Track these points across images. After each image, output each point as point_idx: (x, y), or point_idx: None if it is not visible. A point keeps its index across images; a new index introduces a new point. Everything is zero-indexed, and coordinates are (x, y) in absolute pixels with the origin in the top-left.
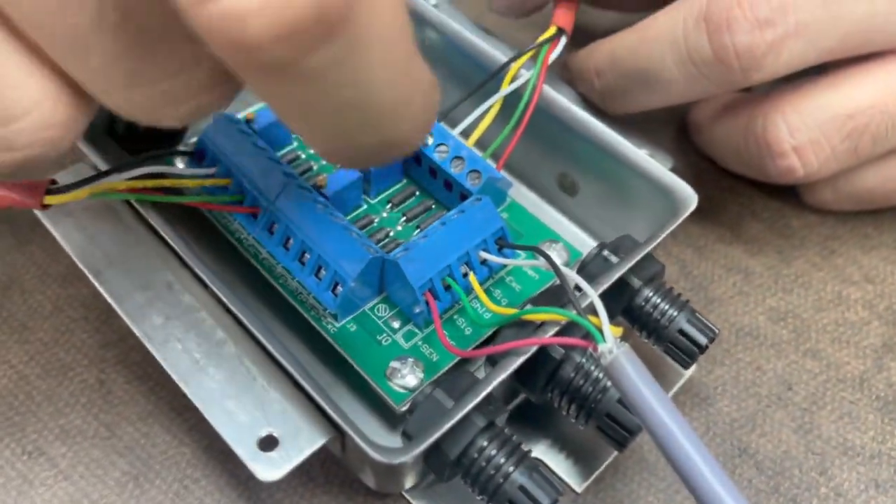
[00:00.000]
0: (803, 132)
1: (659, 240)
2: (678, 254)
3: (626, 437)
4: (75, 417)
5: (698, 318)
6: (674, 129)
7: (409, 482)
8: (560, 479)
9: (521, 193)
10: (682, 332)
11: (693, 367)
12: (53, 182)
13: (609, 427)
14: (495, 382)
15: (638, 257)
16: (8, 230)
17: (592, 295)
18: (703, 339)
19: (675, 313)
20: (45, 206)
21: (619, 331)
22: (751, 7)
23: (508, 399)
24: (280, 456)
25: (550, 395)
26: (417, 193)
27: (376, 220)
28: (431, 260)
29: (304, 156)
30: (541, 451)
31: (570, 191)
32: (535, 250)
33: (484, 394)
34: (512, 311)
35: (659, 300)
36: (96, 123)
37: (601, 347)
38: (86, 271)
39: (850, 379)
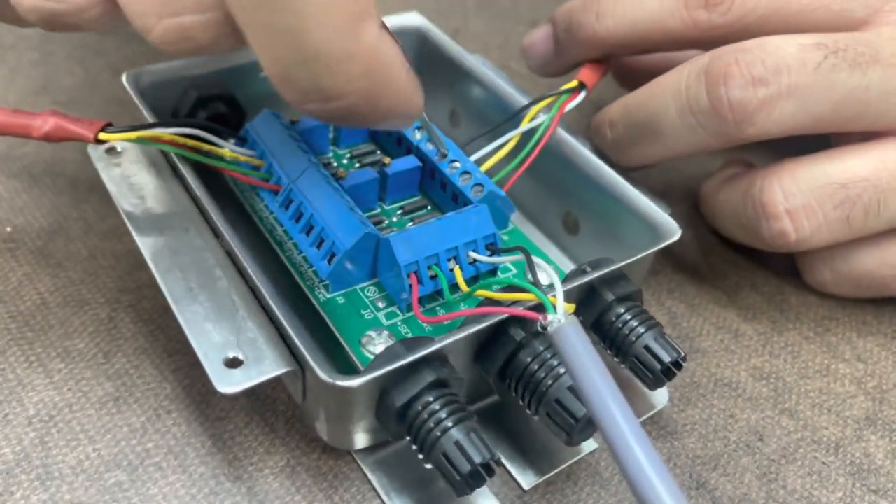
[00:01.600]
0: (797, 197)
1: (633, 259)
2: (671, 306)
3: (572, 424)
4: (79, 342)
5: (667, 340)
6: (687, 205)
7: (359, 438)
8: (511, 475)
9: (527, 230)
10: (647, 348)
11: (665, 402)
12: (109, 124)
13: (556, 414)
14: (448, 340)
15: (609, 269)
16: (70, 188)
17: (551, 274)
18: (666, 357)
19: (643, 330)
20: (98, 141)
21: (571, 307)
22: (747, 65)
23: (475, 393)
24: (241, 374)
25: (509, 383)
26: (429, 207)
27: (385, 222)
28: (421, 245)
29: (335, 164)
30: (501, 450)
31: (572, 229)
32: (517, 249)
33: (435, 347)
34: (484, 292)
35: (630, 317)
36: (164, 106)
37: (550, 317)
38: (119, 207)
39: (825, 442)
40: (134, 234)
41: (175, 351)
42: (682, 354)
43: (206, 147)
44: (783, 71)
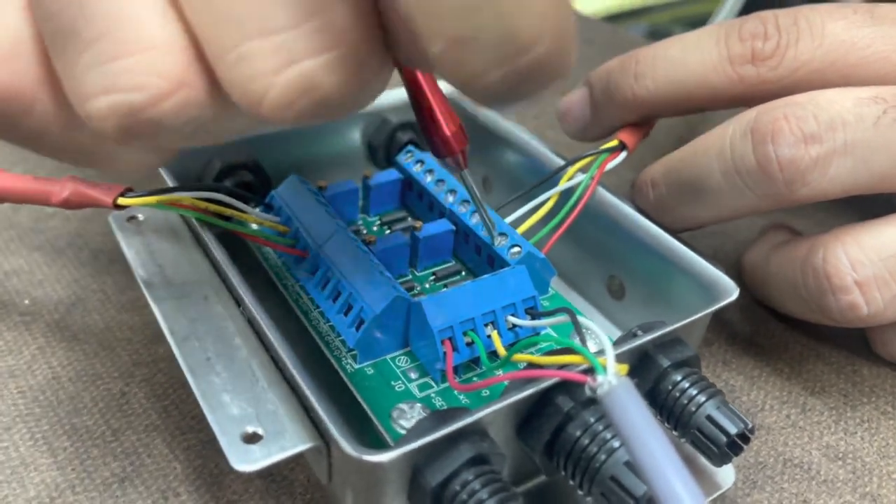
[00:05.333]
0: (866, 267)
1: (690, 320)
2: (728, 379)
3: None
4: (88, 419)
5: (731, 409)
6: (738, 271)
7: None
8: None
9: (568, 296)
10: (710, 418)
11: (731, 482)
12: (129, 189)
13: (612, 493)
14: (487, 410)
15: (663, 331)
16: (91, 261)
17: (600, 335)
18: (733, 428)
19: (704, 399)
20: (117, 206)
21: (624, 368)
22: (798, 121)
23: (517, 474)
24: (260, 451)
25: (556, 459)
26: (463, 273)
27: (417, 288)
28: (456, 309)
29: (364, 231)
30: None
31: (617, 294)
32: (562, 311)
33: (473, 418)
34: (524, 356)
35: (687, 385)
36: (187, 169)
37: (600, 378)
38: (136, 274)
39: None
40: (150, 301)
41: (188, 428)
42: (750, 425)
43: (229, 212)
44: (838, 127)
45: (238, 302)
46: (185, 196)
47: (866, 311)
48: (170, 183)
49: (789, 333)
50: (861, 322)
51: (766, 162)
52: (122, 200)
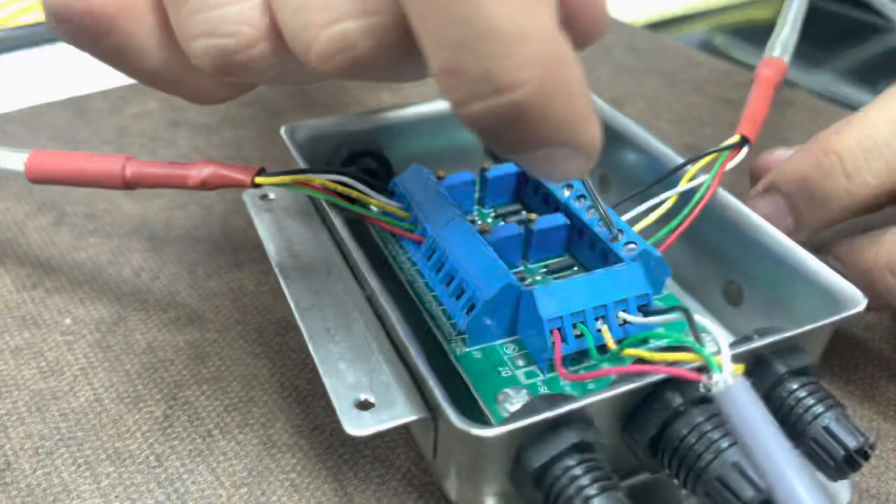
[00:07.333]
0: None
1: (811, 327)
2: (852, 390)
3: None
4: (132, 443)
5: (850, 422)
6: None
7: (489, 493)
8: None
9: (683, 299)
10: (827, 429)
11: (846, 501)
12: (263, 168)
13: (717, 494)
14: (594, 398)
15: (778, 336)
16: (133, 278)
17: (717, 334)
18: (852, 442)
19: (822, 410)
20: (255, 185)
21: (740, 368)
22: None
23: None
24: (371, 417)
25: (660, 457)
26: (575, 267)
27: (528, 280)
28: (567, 301)
29: (479, 221)
30: None
31: (734, 300)
32: (676, 309)
33: (579, 404)
34: (635, 351)
35: (805, 394)
36: (318, 154)
37: (716, 376)
38: (266, 249)
39: None
40: (278, 274)
41: (233, 454)
42: (871, 440)
43: (355, 194)
44: None
45: (359, 280)
46: (317, 178)
47: None
48: (301, 164)
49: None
50: None
51: None
52: (259, 179)
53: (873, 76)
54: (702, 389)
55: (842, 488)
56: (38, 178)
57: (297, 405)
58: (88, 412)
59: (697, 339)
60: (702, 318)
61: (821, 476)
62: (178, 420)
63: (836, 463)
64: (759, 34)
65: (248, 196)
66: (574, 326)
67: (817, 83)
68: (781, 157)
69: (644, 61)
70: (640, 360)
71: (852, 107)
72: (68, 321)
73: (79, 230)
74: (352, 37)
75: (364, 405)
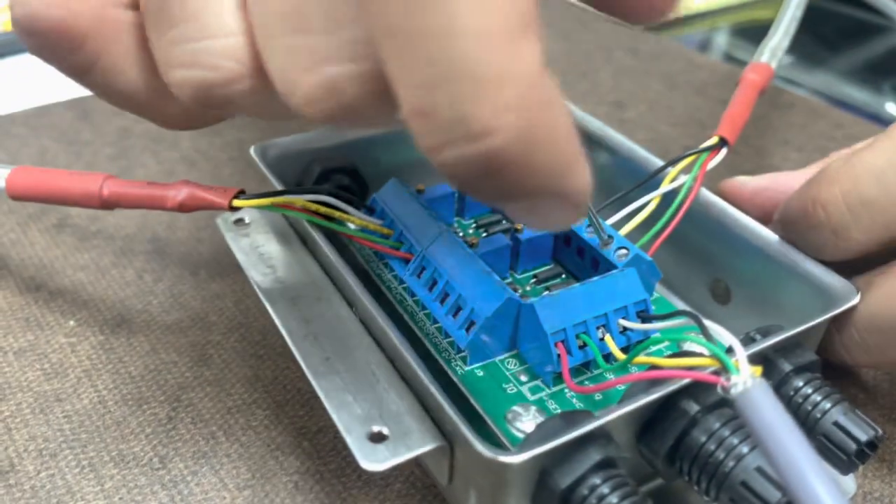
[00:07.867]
0: None
1: (812, 324)
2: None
3: None
4: (135, 445)
5: (858, 415)
6: None
7: None
8: None
9: (671, 300)
10: (837, 424)
11: (852, 492)
12: (242, 191)
13: (743, 499)
14: (614, 415)
15: (782, 336)
16: (136, 280)
17: (728, 336)
18: (862, 435)
19: (830, 405)
20: (232, 208)
21: (758, 369)
22: None
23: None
24: (387, 450)
25: (679, 466)
26: (563, 276)
27: (518, 291)
28: (568, 312)
29: (461, 233)
30: None
31: (722, 298)
32: (680, 314)
33: (600, 422)
34: (646, 359)
35: (811, 390)
36: (288, 179)
37: (734, 378)
38: (249, 277)
39: None
40: (266, 303)
41: (237, 456)
42: (880, 433)
43: (337, 214)
44: None
45: (350, 303)
46: (297, 199)
47: None
48: (276, 186)
49: None
50: None
51: None
52: (236, 202)
53: (875, 76)
54: (720, 392)
55: (848, 480)
56: (19, 196)
57: (301, 407)
58: (92, 414)
59: (712, 342)
60: (710, 323)
61: (832, 469)
62: (182, 422)
63: (849, 457)
64: (760, 35)
65: (223, 221)
66: (577, 337)
67: (819, 83)
68: (736, 188)
69: (645, 63)
70: (654, 368)
71: (853, 107)
72: (72, 323)
73: (82, 232)
74: (338, 82)
75: (377, 437)
